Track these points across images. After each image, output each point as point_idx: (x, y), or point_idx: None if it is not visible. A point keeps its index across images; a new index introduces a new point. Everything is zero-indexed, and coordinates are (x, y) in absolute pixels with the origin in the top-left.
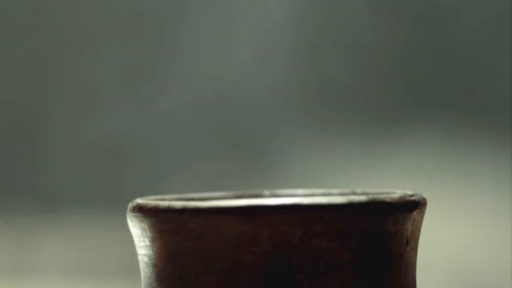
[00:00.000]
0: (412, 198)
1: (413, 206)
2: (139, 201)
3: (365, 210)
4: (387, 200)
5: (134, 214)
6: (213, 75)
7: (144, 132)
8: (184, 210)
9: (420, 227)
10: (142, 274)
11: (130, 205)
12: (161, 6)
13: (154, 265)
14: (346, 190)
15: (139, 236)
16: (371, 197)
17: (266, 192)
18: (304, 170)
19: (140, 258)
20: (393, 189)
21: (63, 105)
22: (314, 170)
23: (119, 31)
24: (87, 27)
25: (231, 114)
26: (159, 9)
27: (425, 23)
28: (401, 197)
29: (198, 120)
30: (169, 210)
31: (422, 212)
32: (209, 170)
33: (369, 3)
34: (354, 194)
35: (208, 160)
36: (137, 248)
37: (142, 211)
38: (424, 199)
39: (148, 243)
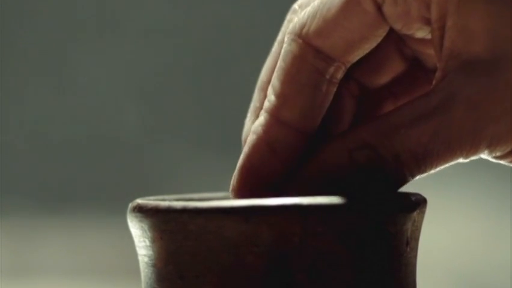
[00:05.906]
0: (412, 198)
1: (413, 206)
2: (139, 201)
3: (365, 210)
4: (388, 200)
5: (134, 214)
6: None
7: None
8: (184, 211)
9: (420, 227)
10: (142, 274)
11: (130, 205)
12: None
13: (154, 265)
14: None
15: (139, 236)
16: (371, 197)
17: None
18: None
19: (140, 258)
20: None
21: (66, 103)
22: None
23: None
24: None
25: (231, 113)
26: None
27: None
28: (401, 197)
29: (198, 120)
30: (169, 211)
31: (422, 212)
32: (210, 170)
33: None
34: (354, 194)
35: (209, 160)
36: (137, 248)
37: (142, 211)
38: (424, 199)
39: (148, 243)
